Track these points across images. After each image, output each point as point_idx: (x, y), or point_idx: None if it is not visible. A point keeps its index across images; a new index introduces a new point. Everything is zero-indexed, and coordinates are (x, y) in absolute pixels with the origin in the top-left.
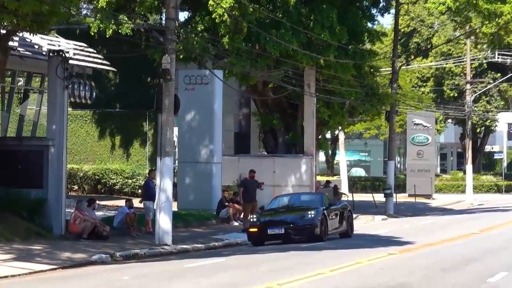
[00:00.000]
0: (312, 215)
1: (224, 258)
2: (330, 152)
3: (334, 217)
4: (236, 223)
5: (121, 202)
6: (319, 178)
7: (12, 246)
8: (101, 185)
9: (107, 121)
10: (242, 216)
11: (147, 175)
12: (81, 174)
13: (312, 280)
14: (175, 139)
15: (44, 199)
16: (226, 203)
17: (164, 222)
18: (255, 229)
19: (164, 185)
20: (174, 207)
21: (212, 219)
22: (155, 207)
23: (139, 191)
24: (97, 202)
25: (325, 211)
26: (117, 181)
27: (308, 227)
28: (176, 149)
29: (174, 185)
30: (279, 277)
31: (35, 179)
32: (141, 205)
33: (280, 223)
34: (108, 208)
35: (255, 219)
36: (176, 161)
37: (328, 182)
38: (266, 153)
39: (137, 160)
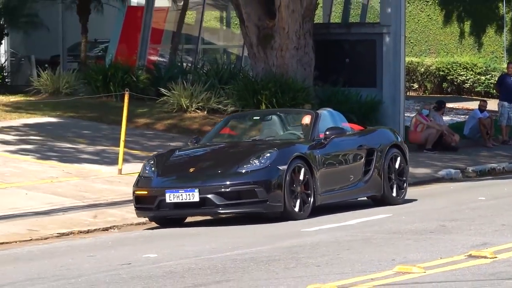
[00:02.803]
0: (261, 163)
1: None
2: None
3: (339, 163)
4: None
5: (473, 105)
6: None
7: None
8: (447, 83)
9: (453, 2)
10: None
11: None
12: (422, 69)
13: None
14: None
15: (377, 101)
16: None
17: None
18: (144, 191)
19: None
20: None
21: None
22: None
23: (494, 90)
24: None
25: (306, 152)
26: (467, 77)
27: (245, 189)
28: None
29: None
30: None
31: (366, 76)
32: (497, 108)
33: (192, 178)
34: (456, 112)
35: (150, 166)
36: None
37: None
38: None
39: (492, 51)
